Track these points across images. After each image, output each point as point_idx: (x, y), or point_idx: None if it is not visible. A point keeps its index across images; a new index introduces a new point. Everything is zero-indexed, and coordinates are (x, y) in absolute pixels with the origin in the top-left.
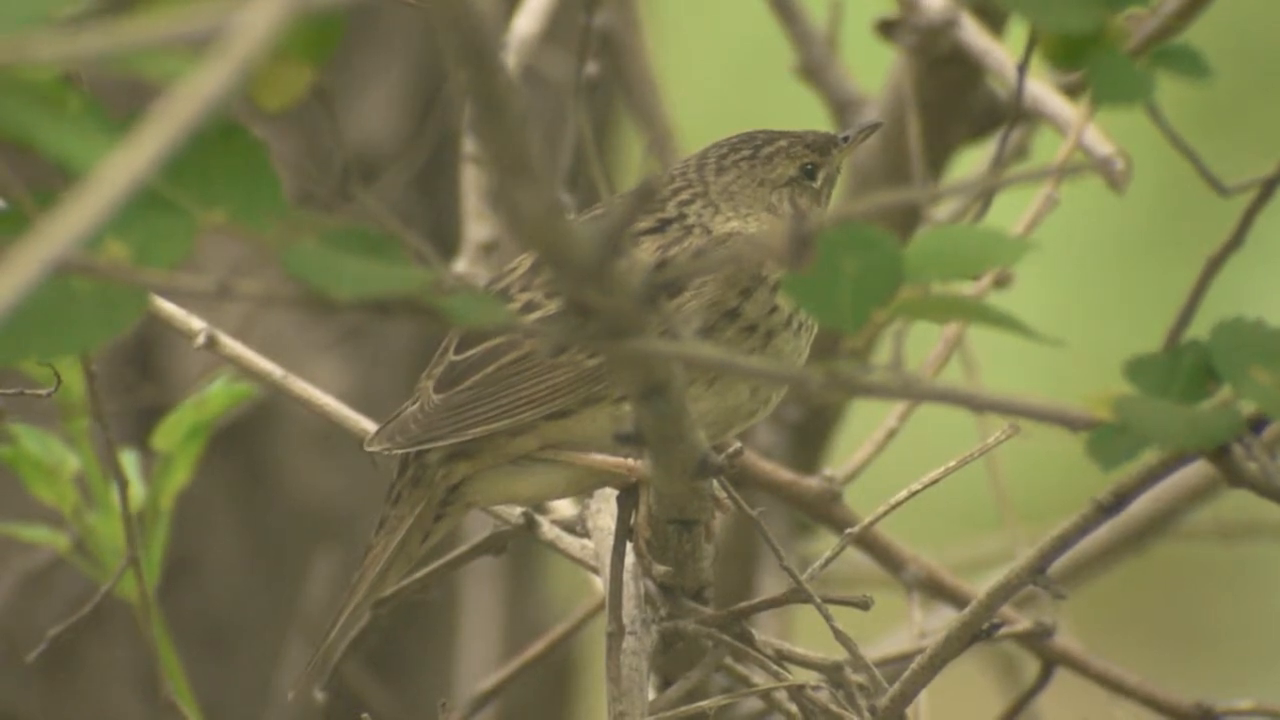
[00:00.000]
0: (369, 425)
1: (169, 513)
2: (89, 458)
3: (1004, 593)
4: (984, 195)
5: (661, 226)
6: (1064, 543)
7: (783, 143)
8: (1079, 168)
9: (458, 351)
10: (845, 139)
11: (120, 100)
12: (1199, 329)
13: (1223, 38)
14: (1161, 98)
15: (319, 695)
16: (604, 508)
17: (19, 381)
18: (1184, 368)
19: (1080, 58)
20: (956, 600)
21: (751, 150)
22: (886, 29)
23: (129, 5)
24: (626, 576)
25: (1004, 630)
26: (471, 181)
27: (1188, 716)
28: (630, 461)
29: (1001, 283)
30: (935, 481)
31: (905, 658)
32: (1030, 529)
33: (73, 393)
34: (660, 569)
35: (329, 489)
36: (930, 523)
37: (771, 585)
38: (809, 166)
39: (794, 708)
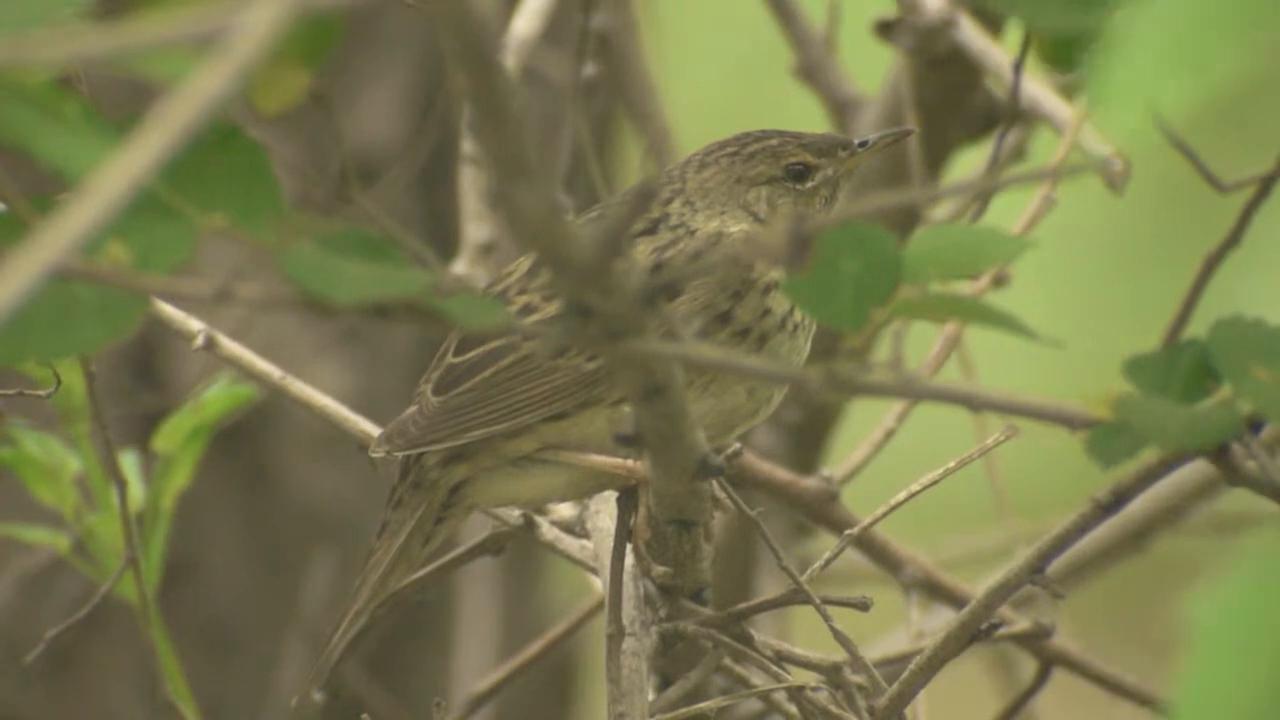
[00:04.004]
0: (367, 426)
1: (169, 514)
2: (90, 459)
3: (1002, 593)
4: (982, 196)
5: (653, 227)
6: (1063, 542)
7: (773, 141)
8: (1077, 168)
9: (457, 354)
10: (863, 144)
11: (121, 102)
12: (1198, 327)
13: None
14: None
15: (318, 696)
16: (603, 509)
17: (19, 383)
18: (1183, 366)
19: (1076, 58)
20: (954, 600)
21: (737, 147)
22: (884, 30)
23: (129, 6)
24: (626, 577)
25: (1002, 630)
26: (470, 183)
27: None
28: (629, 463)
29: (999, 283)
30: (934, 483)
31: (904, 658)
32: (1028, 526)
33: (73, 395)
34: (659, 570)
35: (329, 490)
36: (928, 521)
37: (770, 586)
38: (797, 167)
39: (793, 708)
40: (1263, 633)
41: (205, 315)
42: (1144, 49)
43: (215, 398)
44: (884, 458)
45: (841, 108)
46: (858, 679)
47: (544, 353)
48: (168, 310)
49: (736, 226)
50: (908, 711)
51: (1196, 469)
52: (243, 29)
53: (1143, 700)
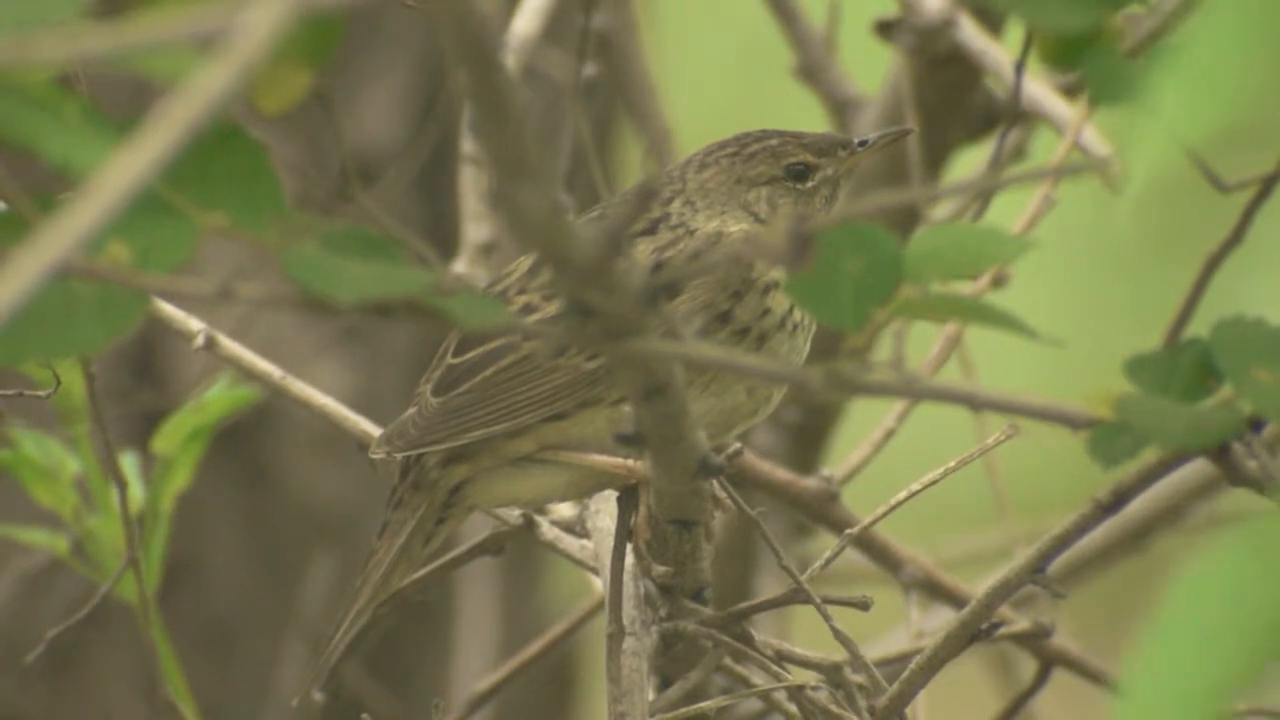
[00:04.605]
0: (367, 426)
1: (169, 515)
2: (89, 460)
3: (1002, 592)
4: (982, 195)
5: (653, 227)
6: (1063, 542)
7: (773, 141)
8: (1077, 168)
9: (456, 354)
10: (863, 143)
11: (122, 102)
12: (1199, 327)
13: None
14: None
15: (318, 696)
16: (603, 508)
17: (19, 383)
18: (1184, 366)
19: (1076, 58)
20: (954, 600)
21: (737, 147)
22: (885, 29)
23: (129, 6)
24: (626, 577)
25: (1002, 630)
26: (470, 182)
27: None
28: (630, 462)
29: (999, 283)
30: (934, 483)
31: (904, 658)
32: (1028, 526)
33: (73, 395)
34: (660, 569)
35: (330, 490)
36: (928, 521)
37: (770, 585)
38: (798, 167)
39: (793, 708)
40: (1233, 612)
41: (205, 315)
42: (1171, 87)
43: (215, 399)
44: (884, 457)
45: (841, 108)
46: (858, 678)
47: (544, 352)
48: (168, 310)
49: (737, 226)
50: (908, 711)
51: (1197, 469)
52: (244, 29)
53: None
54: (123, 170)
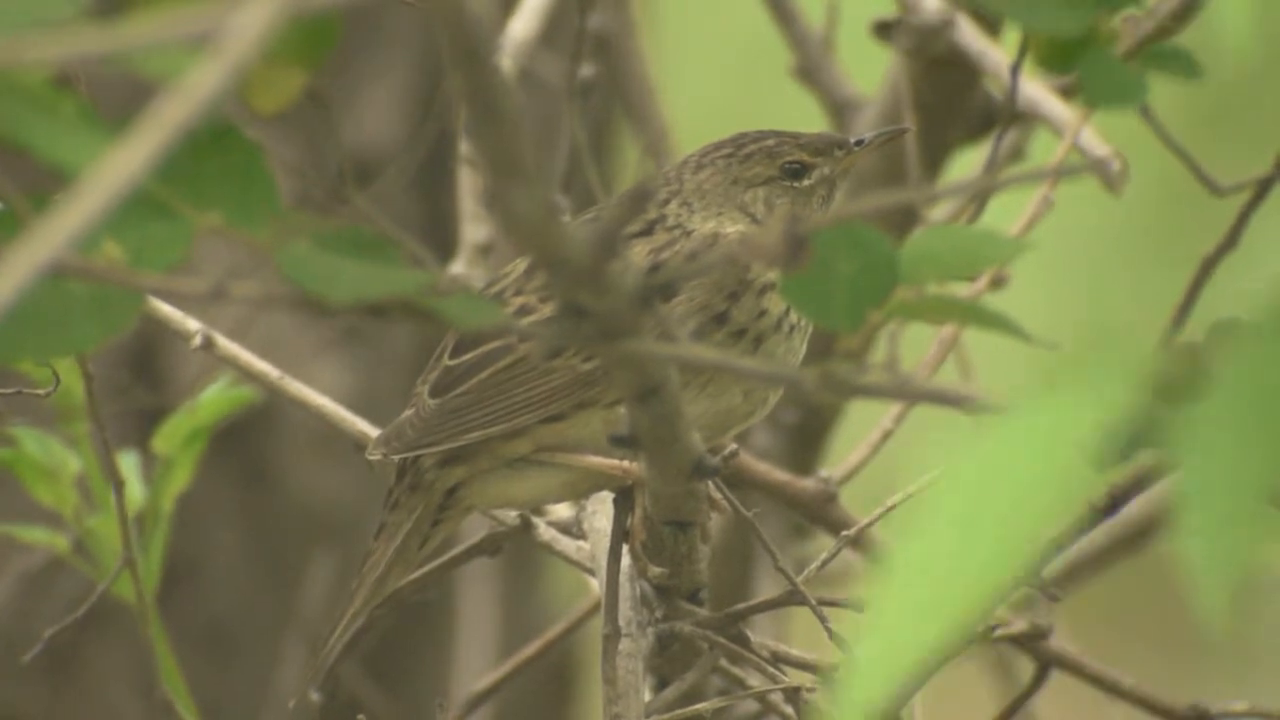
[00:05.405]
0: (365, 427)
1: (169, 515)
2: (90, 460)
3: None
4: (980, 196)
5: (650, 229)
6: (1060, 544)
7: (769, 142)
8: (1075, 169)
9: (453, 356)
10: (860, 143)
11: (119, 100)
12: (1194, 329)
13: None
14: (1157, 99)
15: (315, 697)
16: (600, 509)
17: (18, 382)
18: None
19: (1072, 60)
20: None
21: (733, 148)
22: (883, 30)
23: (125, 5)
24: (622, 578)
25: (1000, 632)
26: (468, 184)
27: (1183, 718)
28: (625, 464)
29: (997, 284)
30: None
31: None
32: None
33: (72, 394)
34: (655, 571)
35: (330, 491)
36: None
37: (767, 586)
38: (794, 167)
39: (790, 710)
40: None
41: (204, 315)
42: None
43: (211, 400)
44: (882, 459)
45: (840, 108)
46: None
47: (539, 354)
48: (166, 310)
49: (733, 227)
50: (905, 713)
51: None
52: (236, 29)
53: (1139, 702)
54: (115, 169)
